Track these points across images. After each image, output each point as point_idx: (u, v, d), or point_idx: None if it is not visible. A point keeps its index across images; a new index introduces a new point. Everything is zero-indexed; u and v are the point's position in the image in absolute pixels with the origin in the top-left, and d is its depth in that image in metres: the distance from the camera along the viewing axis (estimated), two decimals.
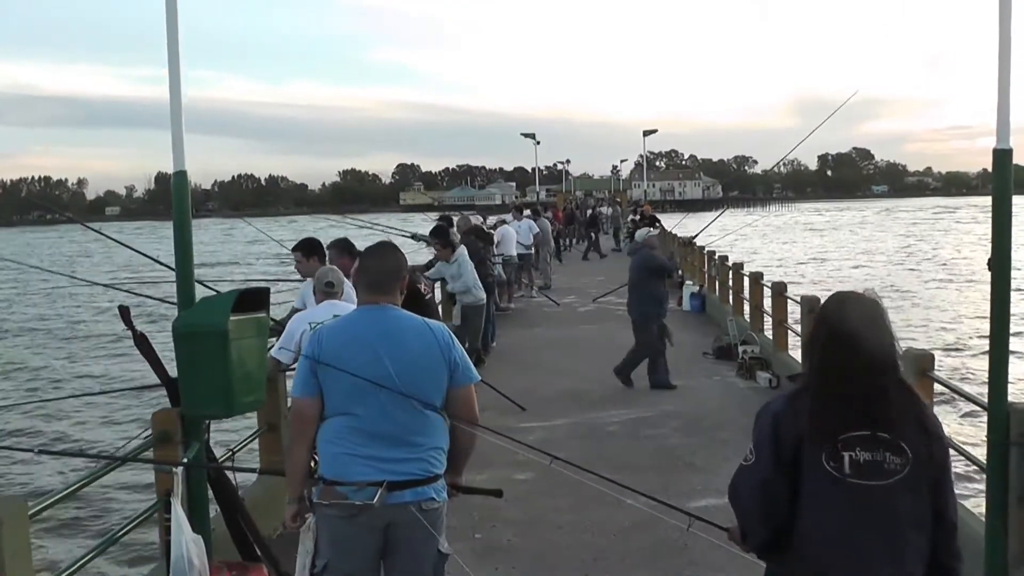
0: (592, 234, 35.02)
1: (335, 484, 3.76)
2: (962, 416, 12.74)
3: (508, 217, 22.05)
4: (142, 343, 5.16)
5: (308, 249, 7.48)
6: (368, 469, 3.72)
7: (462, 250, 12.18)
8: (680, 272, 14.04)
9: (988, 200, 4.87)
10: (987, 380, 4.90)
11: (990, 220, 4.75)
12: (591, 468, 7.73)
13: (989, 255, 4.78)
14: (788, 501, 2.90)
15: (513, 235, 19.14)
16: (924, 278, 36.24)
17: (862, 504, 2.84)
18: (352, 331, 3.88)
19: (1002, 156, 4.70)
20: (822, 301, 3.19)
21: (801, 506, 2.89)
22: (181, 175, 5.02)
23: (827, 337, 2.93)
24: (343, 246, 7.85)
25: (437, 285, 12.18)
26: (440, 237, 12.00)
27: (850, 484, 2.83)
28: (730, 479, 3.08)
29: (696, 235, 17.69)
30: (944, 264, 42.13)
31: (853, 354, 2.86)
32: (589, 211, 40.17)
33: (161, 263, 6.14)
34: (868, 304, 2.95)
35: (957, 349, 19.87)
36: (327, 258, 7.35)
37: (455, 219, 15.82)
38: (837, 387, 2.86)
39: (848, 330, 2.88)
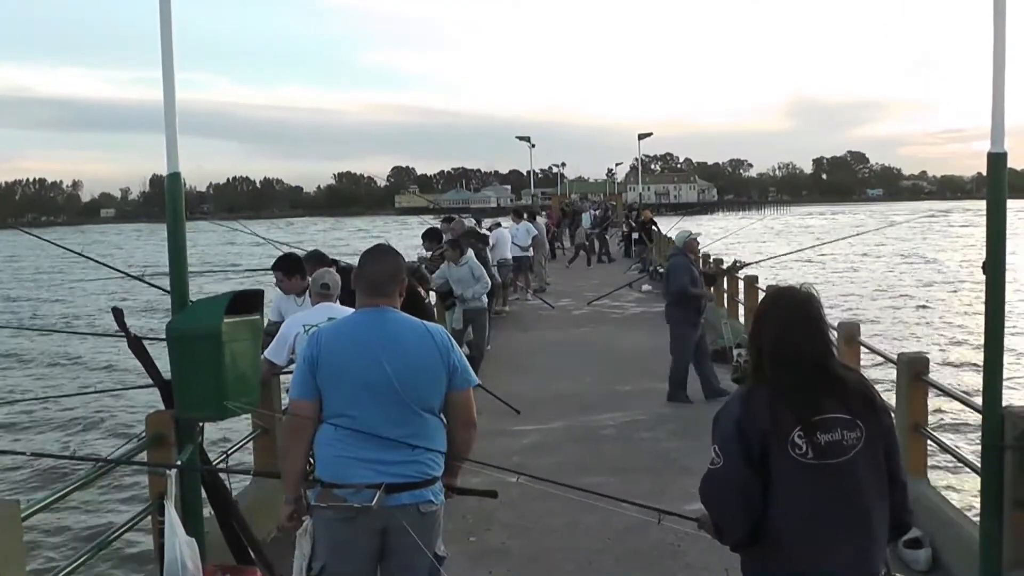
0: (600, 238, 33.60)
1: (333, 487, 3.76)
2: (956, 420, 12.74)
3: (507, 220, 22.11)
4: (135, 345, 5.16)
5: (290, 268, 7.39)
6: (366, 472, 3.72)
7: (470, 253, 12.23)
8: (706, 302, 11.76)
9: (982, 204, 4.88)
10: (981, 384, 4.91)
11: (979, 223, 4.75)
12: (587, 471, 7.77)
13: (983, 259, 4.79)
14: (761, 495, 2.99)
15: (508, 238, 19.17)
16: (918, 281, 36.30)
17: (828, 483, 2.97)
18: (351, 333, 3.88)
19: (996, 160, 4.71)
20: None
21: (772, 495, 2.99)
22: (175, 177, 5.02)
23: (773, 332, 3.09)
24: (319, 257, 7.87)
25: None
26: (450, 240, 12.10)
27: (815, 466, 2.96)
28: (701, 482, 3.15)
29: (738, 264, 14.56)
30: (936, 266, 42.20)
31: (799, 344, 3.04)
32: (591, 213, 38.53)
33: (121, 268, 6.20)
34: (803, 296, 3.14)
35: (950, 352, 19.89)
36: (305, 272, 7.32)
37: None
38: (790, 378, 3.01)
39: (792, 321, 3.08)
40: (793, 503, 2.97)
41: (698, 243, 11.53)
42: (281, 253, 7.89)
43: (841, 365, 3.15)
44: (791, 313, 3.10)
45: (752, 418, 3.00)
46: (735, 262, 14.08)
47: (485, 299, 12.37)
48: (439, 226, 15.54)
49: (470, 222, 17.70)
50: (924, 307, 27.96)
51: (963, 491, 9.69)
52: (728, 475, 3.01)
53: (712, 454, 3.07)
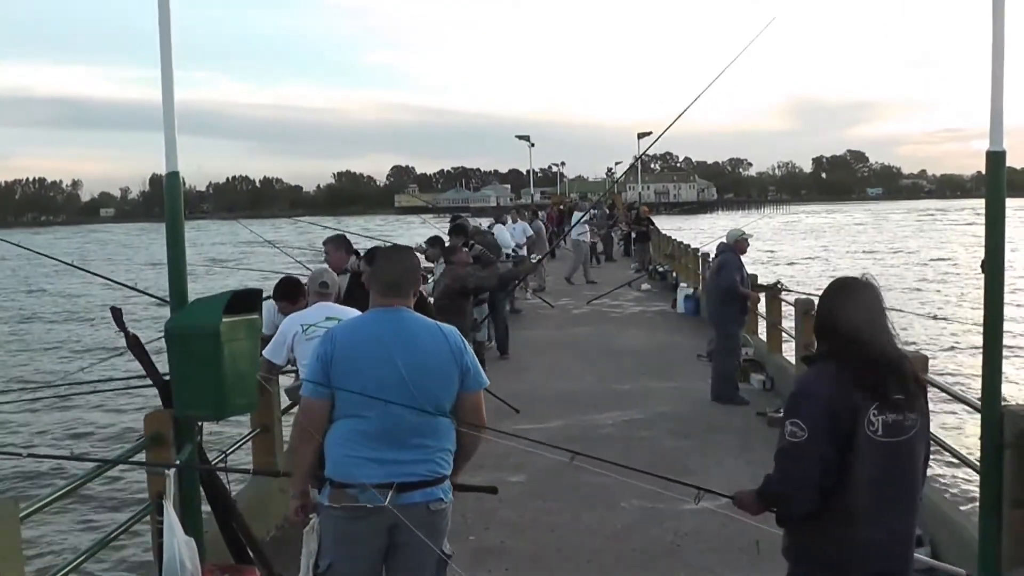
0: (606, 239, 31.81)
1: (345, 487, 3.75)
2: (955, 418, 12.74)
3: (507, 218, 22.17)
4: (135, 345, 5.16)
5: (292, 295, 6.71)
6: (378, 471, 3.72)
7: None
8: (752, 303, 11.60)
9: (980, 203, 4.87)
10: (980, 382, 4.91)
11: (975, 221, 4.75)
12: (586, 470, 7.76)
13: (982, 258, 4.78)
14: (839, 468, 3.21)
15: (507, 236, 19.17)
16: (917, 279, 36.32)
17: (890, 460, 3.24)
18: (365, 332, 3.87)
19: (995, 158, 4.70)
20: (818, 299, 3.61)
21: (845, 470, 3.21)
22: (174, 176, 5.02)
23: (849, 317, 3.31)
24: (340, 241, 8.08)
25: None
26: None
27: (882, 443, 3.22)
28: (777, 454, 3.32)
29: (780, 286, 13.24)
30: (929, 264, 42.24)
31: (872, 329, 3.29)
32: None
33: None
34: (871, 285, 3.41)
35: (949, 350, 19.90)
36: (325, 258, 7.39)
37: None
38: (865, 361, 3.24)
39: (865, 307, 3.33)
40: (862, 478, 3.21)
41: (748, 243, 11.20)
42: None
43: (901, 351, 3.38)
44: (864, 300, 3.35)
45: (842, 395, 3.20)
46: (777, 282, 13.42)
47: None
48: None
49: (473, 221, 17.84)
50: (923, 303, 27.91)
51: (962, 489, 9.70)
52: (812, 448, 3.20)
53: (790, 427, 3.25)
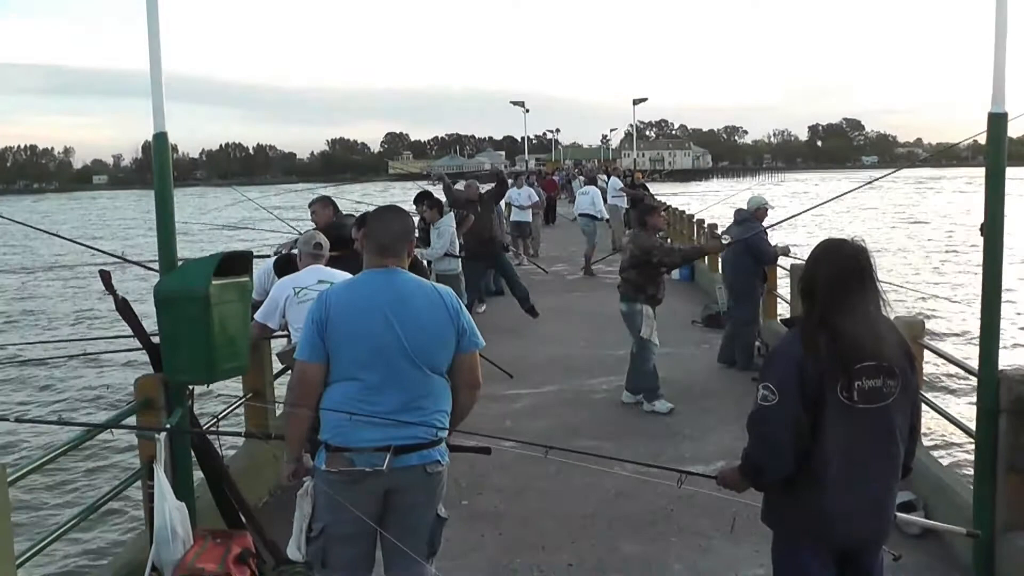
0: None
1: (341, 451, 3.71)
2: (951, 383, 12.76)
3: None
4: (124, 309, 5.10)
5: (281, 267, 6.93)
6: (375, 434, 3.68)
7: (448, 217, 12.26)
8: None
9: (973, 172, 4.82)
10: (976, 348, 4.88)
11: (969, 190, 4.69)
12: (580, 435, 7.77)
13: (982, 221, 4.74)
14: (811, 432, 3.20)
15: (510, 200, 19.19)
16: (911, 241, 36.34)
17: (865, 426, 3.22)
18: (361, 294, 3.81)
19: (996, 120, 4.64)
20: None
21: (817, 434, 3.20)
22: (162, 137, 4.93)
23: (829, 281, 3.26)
24: (327, 201, 8.09)
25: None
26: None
27: (858, 409, 3.21)
28: (750, 418, 3.33)
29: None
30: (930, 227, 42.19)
31: (853, 294, 3.23)
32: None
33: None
34: (858, 248, 3.32)
35: (945, 315, 19.92)
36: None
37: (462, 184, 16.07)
38: (844, 325, 3.19)
39: (847, 272, 3.26)
40: (834, 442, 3.20)
41: (767, 212, 10.97)
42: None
43: (885, 317, 3.33)
44: (847, 264, 3.27)
45: (812, 361, 3.18)
46: (787, 248, 13.18)
47: (458, 265, 12.44)
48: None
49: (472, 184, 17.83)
50: (918, 269, 27.90)
51: (957, 455, 9.72)
52: (783, 412, 3.19)
53: (763, 391, 3.25)
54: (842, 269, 3.26)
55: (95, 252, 7.03)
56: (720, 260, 12.41)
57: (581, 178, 38.15)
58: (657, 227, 9.37)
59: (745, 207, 10.96)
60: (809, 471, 3.22)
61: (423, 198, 12.10)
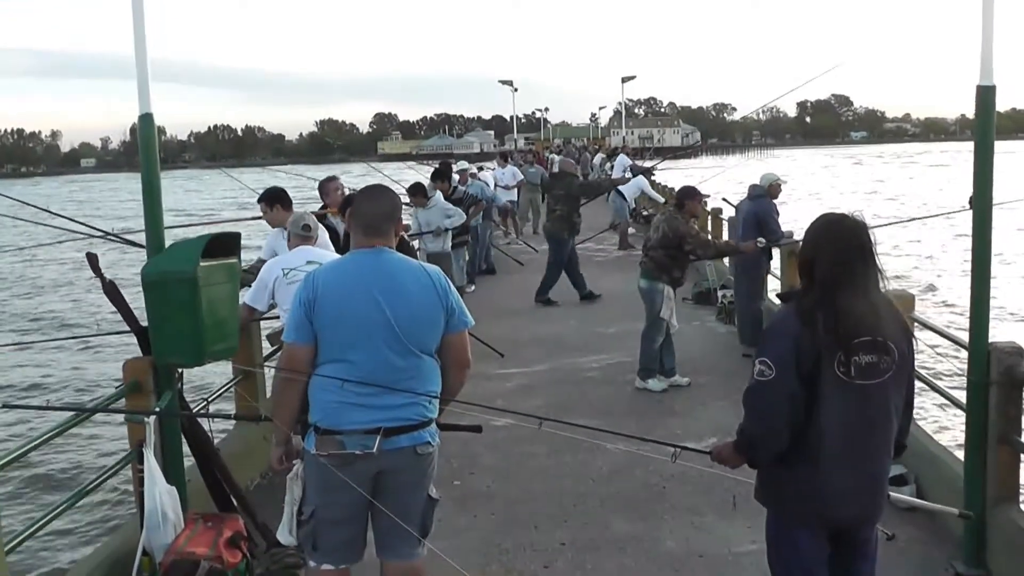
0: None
1: (331, 433, 3.69)
2: (941, 356, 12.77)
3: (492, 164, 22.05)
4: (111, 291, 5.07)
5: (272, 199, 7.27)
6: (364, 416, 3.66)
7: (438, 195, 12.29)
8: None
9: (960, 145, 4.81)
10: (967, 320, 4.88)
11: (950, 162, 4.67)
12: (572, 413, 7.76)
13: (971, 194, 4.72)
14: (806, 408, 3.18)
15: (492, 181, 19.13)
16: (897, 215, 36.32)
17: (862, 402, 3.20)
18: (349, 274, 3.78)
19: (985, 93, 4.62)
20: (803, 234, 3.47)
21: (813, 410, 3.18)
22: (147, 118, 4.86)
23: (828, 256, 3.23)
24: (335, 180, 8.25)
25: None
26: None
27: (854, 385, 3.18)
28: (746, 393, 3.31)
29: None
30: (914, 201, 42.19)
31: (852, 270, 3.20)
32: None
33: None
34: (857, 224, 3.29)
35: (935, 287, 20.00)
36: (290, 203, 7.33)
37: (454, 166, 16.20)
38: (841, 301, 3.16)
39: (846, 247, 3.22)
40: (830, 418, 3.18)
41: (781, 188, 10.84)
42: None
43: (882, 293, 3.31)
44: (848, 240, 3.24)
45: (809, 336, 3.15)
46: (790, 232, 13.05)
47: (448, 244, 12.37)
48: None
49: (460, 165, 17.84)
50: (906, 242, 27.87)
51: (947, 428, 9.76)
52: (779, 387, 3.17)
53: (760, 366, 3.22)
54: (843, 245, 3.23)
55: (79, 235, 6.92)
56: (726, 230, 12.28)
57: (601, 155, 37.54)
58: (694, 213, 9.27)
59: (759, 182, 10.82)
60: (804, 447, 3.21)
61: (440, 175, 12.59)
